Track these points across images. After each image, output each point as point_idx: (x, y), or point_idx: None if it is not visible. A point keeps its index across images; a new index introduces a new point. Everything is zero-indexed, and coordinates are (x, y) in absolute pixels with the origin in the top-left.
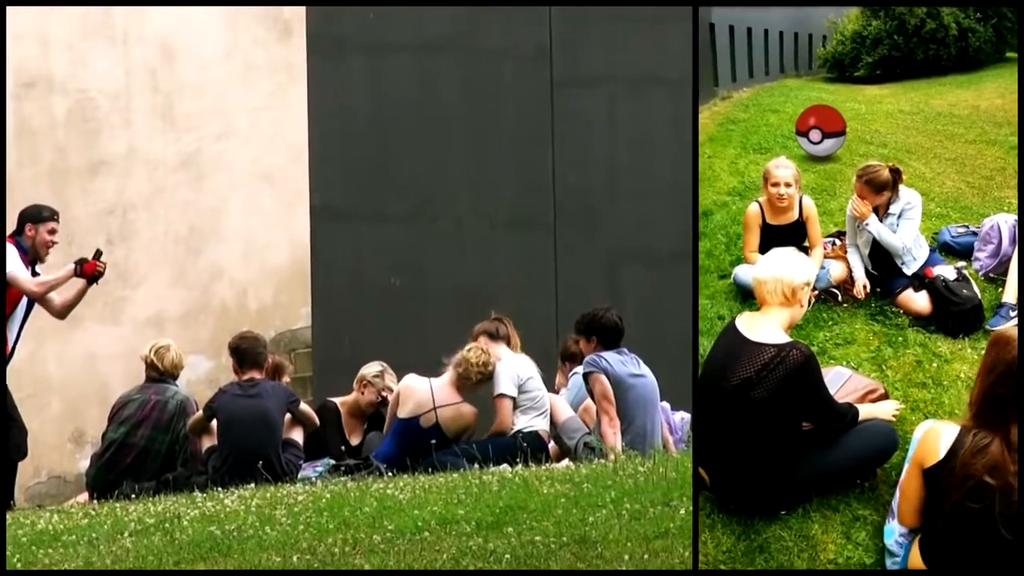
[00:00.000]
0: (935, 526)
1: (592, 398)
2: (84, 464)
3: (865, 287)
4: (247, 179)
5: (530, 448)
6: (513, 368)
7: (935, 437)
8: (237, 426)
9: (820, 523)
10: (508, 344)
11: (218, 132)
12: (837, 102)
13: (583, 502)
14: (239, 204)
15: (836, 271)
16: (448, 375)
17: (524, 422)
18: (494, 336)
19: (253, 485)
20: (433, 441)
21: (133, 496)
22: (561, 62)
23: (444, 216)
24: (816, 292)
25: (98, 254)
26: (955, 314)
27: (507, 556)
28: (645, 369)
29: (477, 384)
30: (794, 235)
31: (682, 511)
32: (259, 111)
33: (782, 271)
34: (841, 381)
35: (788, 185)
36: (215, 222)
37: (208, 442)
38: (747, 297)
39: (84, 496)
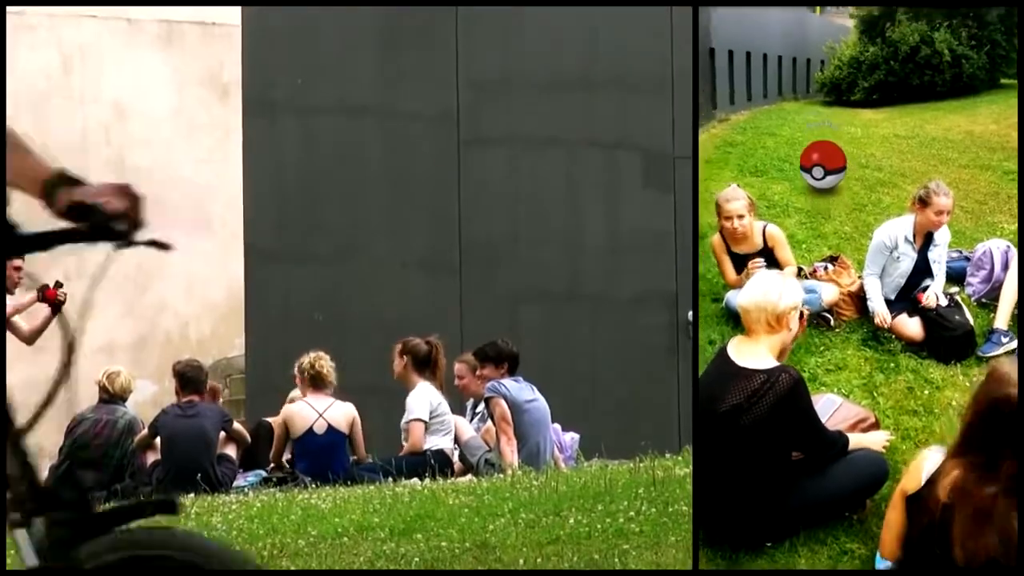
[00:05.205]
0: (909, 559)
1: (492, 420)
2: (43, 475)
3: (884, 320)
4: (189, 224)
5: (437, 464)
6: (427, 396)
7: (919, 462)
8: (178, 443)
9: (807, 556)
10: (432, 377)
11: (163, 183)
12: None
13: (484, 512)
14: (182, 247)
15: (828, 295)
16: (307, 387)
17: (432, 442)
18: (423, 366)
19: (193, 495)
20: (353, 459)
21: None
22: (467, 125)
23: (362, 258)
24: (804, 318)
25: (58, 284)
26: (947, 340)
27: (416, 559)
28: (538, 394)
29: (319, 381)
30: (766, 261)
31: (571, 520)
32: (200, 164)
33: (765, 298)
34: (832, 409)
35: (740, 216)
36: (160, 262)
37: (153, 457)
38: (739, 321)
39: None
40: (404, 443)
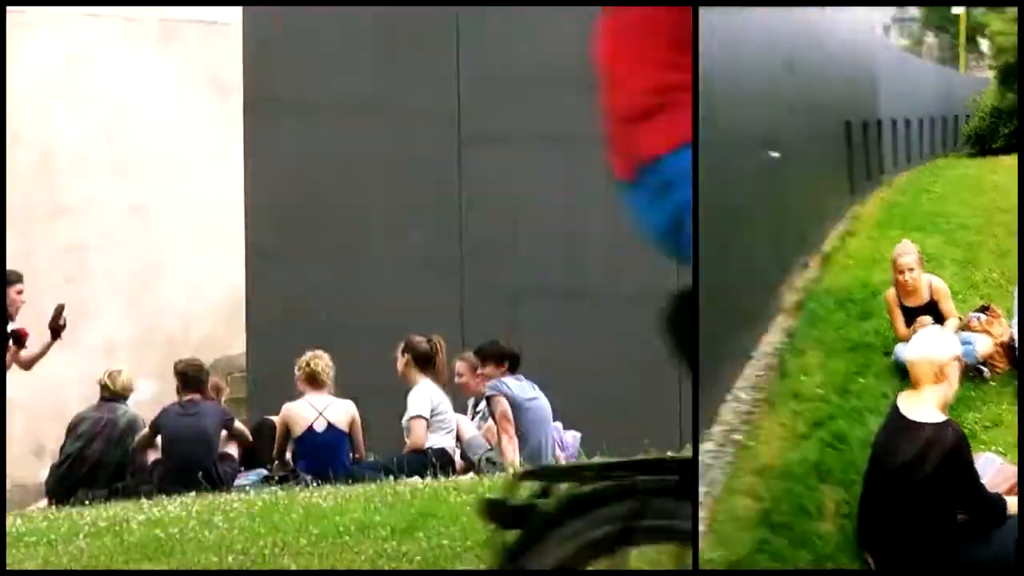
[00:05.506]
0: None
1: (493, 418)
2: (44, 474)
3: None
4: (190, 224)
5: (439, 463)
6: (428, 394)
7: None
8: (179, 442)
9: None
10: (434, 375)
11: (164, 182)
12: (978, 175)
13: None
14: (183, 246)
15: (982, 346)
16: (305, 386)
17: (433, 440)
18: (425, 364)
19: (194, 493)
20: (352, 454)
21: (87, 502)
22: (468, 123)
23: (364, 257)
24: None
25: (59, 311)
26: None
27: (418, 558)
28: (539, 392)
29: (314, 380)
30: (933, 315)
31: None
32: (200, 164)
33: (928, 351)
34: (991, 468)
35: (911, 269)
36: (162, 262)
37: (154, 455)
38: (906, 374)
39: (44, 502)
40: (406, 440)
